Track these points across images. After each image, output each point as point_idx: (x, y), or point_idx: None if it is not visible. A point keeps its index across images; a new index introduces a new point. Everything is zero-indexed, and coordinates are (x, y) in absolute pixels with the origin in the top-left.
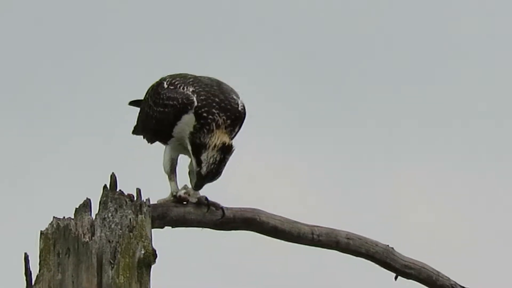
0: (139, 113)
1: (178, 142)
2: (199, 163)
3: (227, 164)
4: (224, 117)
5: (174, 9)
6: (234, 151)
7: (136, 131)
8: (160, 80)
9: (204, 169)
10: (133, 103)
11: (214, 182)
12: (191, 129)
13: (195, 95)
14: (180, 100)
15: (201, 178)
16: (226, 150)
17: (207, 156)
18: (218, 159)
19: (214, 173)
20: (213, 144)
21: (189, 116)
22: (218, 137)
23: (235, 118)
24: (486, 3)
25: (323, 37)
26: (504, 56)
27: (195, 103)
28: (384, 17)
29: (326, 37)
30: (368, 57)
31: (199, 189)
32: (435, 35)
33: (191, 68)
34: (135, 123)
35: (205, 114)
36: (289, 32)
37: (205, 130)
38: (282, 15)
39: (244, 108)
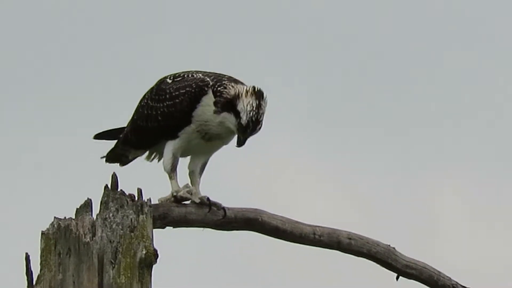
0: (128, 127)
1: (198, 129)
2: (237, 115)
3: (264, 114)
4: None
5: (173, 7)
6: (267, 99)
7: (116, 150)
8: (158, 81)
9: (244, 118)
10: (99, 136)
11: (256, 134)
12: (213, 106)
13: (206, 77)
14: (194, 85)
15: (243, 131)
16: (259, 94)
17: (244, 104)
18: (254, 105)
19: (255, 121)
20: (244, 90)
21: (209, 95)
22: (242, 86)
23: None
24: None
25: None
26: None
27: (210, 82)
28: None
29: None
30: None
31: (243, 144)
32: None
33: (195, 64)
34: (114, 146)
35: (220, 88)
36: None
37: (224, 92)
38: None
39: None
